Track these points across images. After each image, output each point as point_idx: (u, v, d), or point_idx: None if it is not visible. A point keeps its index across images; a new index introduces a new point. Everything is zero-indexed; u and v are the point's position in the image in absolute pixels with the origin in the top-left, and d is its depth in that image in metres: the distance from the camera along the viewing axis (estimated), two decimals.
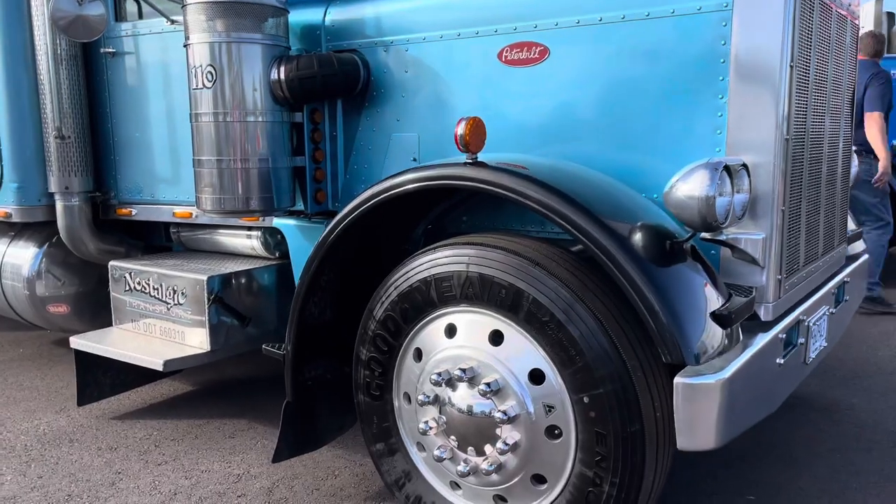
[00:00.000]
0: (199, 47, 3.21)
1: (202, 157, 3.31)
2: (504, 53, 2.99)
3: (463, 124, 2.47)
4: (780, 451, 3.60)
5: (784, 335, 2.61)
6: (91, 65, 4.22)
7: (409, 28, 3.23)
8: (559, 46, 2.86)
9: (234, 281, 3.84)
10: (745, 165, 2.44)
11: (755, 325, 2.55)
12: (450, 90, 3.15)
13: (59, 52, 4.06)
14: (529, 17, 2.91)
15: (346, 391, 3.29)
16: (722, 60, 2.54)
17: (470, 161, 2.52)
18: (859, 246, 4.01)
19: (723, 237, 2.46)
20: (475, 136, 2.48)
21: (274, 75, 3.23)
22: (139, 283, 4.04)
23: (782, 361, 2.60)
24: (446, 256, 2.57)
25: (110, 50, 4.12)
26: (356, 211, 2.75)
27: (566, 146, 2.88)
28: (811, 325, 2.89)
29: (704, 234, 2.41)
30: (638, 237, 2.30)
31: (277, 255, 4.04)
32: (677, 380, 2.13)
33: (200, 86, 3.22)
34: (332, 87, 3.28)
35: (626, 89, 2.74)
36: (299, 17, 3.46)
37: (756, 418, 2.46)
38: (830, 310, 3.22)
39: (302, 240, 3.62)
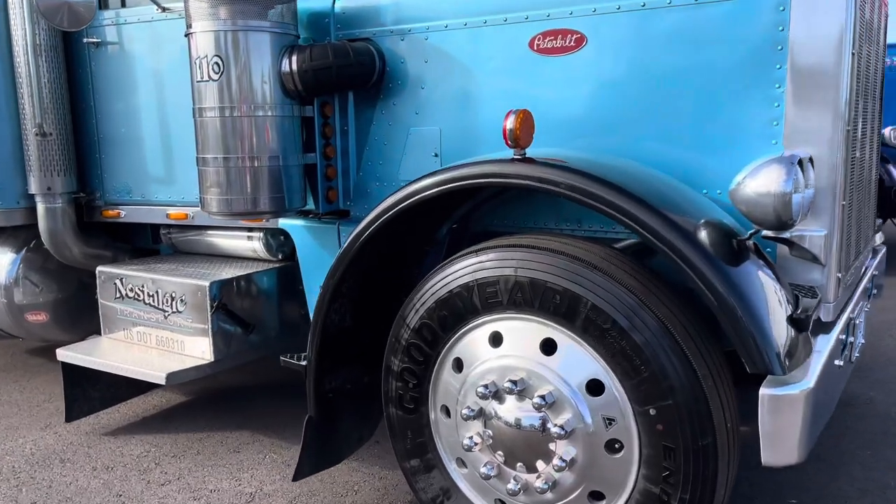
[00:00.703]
0: (203, 36, 2.97)
1: (207, 155, 3.07)
2: (536, 42, 2.81)
3: (512, 118, 2.29)
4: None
5: (843, 336, 2.50)
6: (73, 56, 3.93)
7: (428, 15, 3.03)
8: (597, 34, 2.70)
9: (237, 286, 3.61)
10: (811, 159, 2.31)
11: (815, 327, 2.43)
12: (475, 81, 2.97)
13: (38, 42, 3.77)
14: (564, 3, 2.73)
15: (365, 402, 3.12)
16: (779, 48, 2.39)
17: (519, 157, 2.34)
18: (877, 238, 3.94)
19: (785, 235, 2.32)
20: (525, 131, 2.31)
21: (285, 66, 3.01)
22: (132, 290, 3.78)
23: (841, 363, 2.49)
24: (491, 260, 2.40)
25: (94, 40, 3.83)
26: (394, 209, 2.56)
27: (605, 140, 2.72)
28: (857, 322, 2.79)
29: (767, 232, 2.27)
30: (705, 235, 2.15)
31: (280, 256, 3.82)
32: (764, 391, 1.99)
33: (206, 78, 2.98)
34: (347, 79, 3.07)
35: (672, 79, 2.58)
36: (304, 3, 3.23)
37: (822, 427, 2.34)
38: (866, 305, 3.13)
39: (310, 241, 3.41)
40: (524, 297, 2.33)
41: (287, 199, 3.14)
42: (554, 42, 2.78)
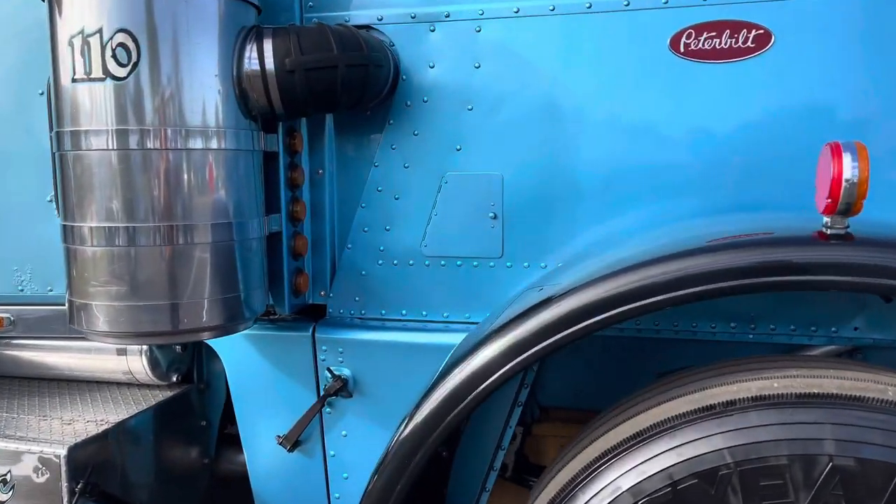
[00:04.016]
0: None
1: (85, 224, 1.61)
2: (682, 40, 1.76)
3: (853, 161, 1.19)
4: None
5: None
6: None
7: None
8: (793, 30, 1.71)
9: (113, 444, 2.07)
10: None
11: None
12: (571, 101, 1.84)
13: None
14: None
15: None
16: None
17: (840, 233, 1.25)
18: None
19: None
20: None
21: (251, 62, 1.65)
22: None
23: None
24: (766, 426, 1.27)
25: None
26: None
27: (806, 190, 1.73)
28: None
29: None
30: None
31: (175, 378, 2.34)
32: None
33: (96, 75, 1.52)
34: (354, 90, 1.78)
35: None
36: None
37: None
38: None
39: (254, 358, 2.07)
40: (849, 494, 1.24)
41: (244, 302, 1.74)
42: (717, 41, 1.75)
